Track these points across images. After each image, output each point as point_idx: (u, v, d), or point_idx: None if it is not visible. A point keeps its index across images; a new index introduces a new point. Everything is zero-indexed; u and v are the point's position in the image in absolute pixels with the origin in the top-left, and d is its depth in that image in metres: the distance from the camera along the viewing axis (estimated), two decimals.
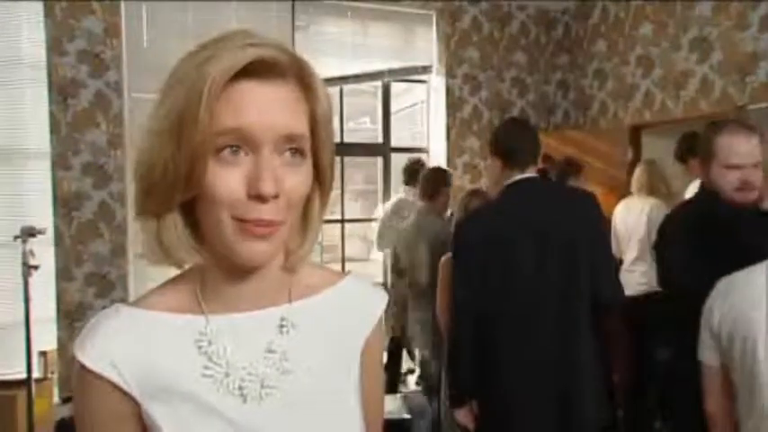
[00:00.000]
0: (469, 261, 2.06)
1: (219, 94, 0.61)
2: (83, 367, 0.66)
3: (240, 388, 0.68)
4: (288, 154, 0.65)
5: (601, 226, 2.03)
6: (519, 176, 2.07)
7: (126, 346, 0.67)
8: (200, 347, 0.68)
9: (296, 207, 0.67)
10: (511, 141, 2.12)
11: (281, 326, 0.72)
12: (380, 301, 0.82)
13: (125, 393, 0.66)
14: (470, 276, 2.05)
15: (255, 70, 0.62)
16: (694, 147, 2.53)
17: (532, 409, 1.97)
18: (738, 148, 1.75)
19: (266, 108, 0.63)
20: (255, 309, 0.71)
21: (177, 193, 0.64)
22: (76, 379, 0.68)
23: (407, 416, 3.53)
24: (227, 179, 0.62)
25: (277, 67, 0.63)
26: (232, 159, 0.62)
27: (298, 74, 0.65)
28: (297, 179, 0.65)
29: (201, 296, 0.70)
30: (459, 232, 2.18)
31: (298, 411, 0.70)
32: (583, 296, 1.97)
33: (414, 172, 4.20)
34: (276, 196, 0.62)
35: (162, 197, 0.65)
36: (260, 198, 0.62)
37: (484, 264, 2.02)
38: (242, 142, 0.62)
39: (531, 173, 2.07)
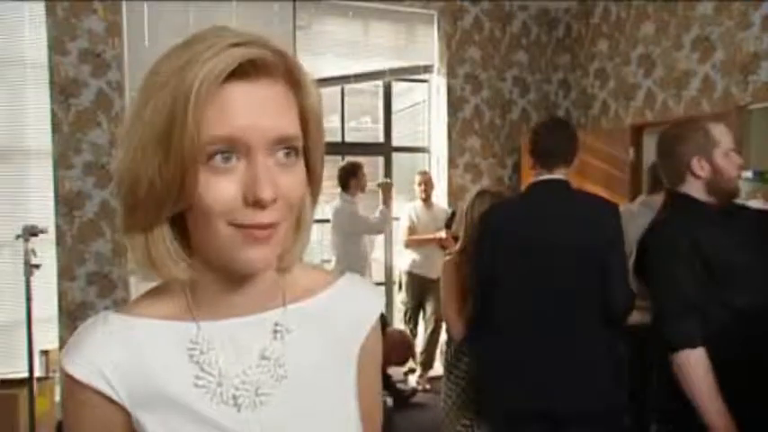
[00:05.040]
0: (485, 257, 2.11)
1: (207, 99, 0.57)
2: (71, 378, 0.64)
3: (234, 397, 0.66)
4: (281, 154, 0.61)
5: (618, 234, 2.03)
6: (544, 177, 2.09)
7: (115, 354, 0.65)
8: (191, 356, 0.66)
9: (295, 208, 0.64)
10: (541, 141, 2.13)
11: (276, 331, 0.69)
12: (377, 301, 0.79)
13: (115, 403, 0.64)
14: (487, 271, 2.10)
15: (242, 70, 0.58)
16: None
17: (536, 404, 2.00)
18: (730, 134, 1.78)
19: (257, 111, 0.59)
20: (249, 314, 0.69)
21: (167, 207, 0.61)
22: (65, 390, 0.66)
23: None
24: (222, 188, 0.59)
25: (263, 65, 0.60)
26: (224, 166, 0.59)
27: (285, 70, 0.62)
28: (293, 180, 0.62)
29: (192, 302, 0.68)
30: (481, 228, 2.21)
31: (294, 417, 0.68)
32: (592, 300, 1.98)
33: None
34: (275, 200, 0.59)
35: (150, 212, 0.61)
36: (258, 204, 0.59)
37: (500, 261, 2.06)
38: (233, 148, 0.59)
39: (559, 175, 2.08)
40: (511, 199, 2.34)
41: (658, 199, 3.33)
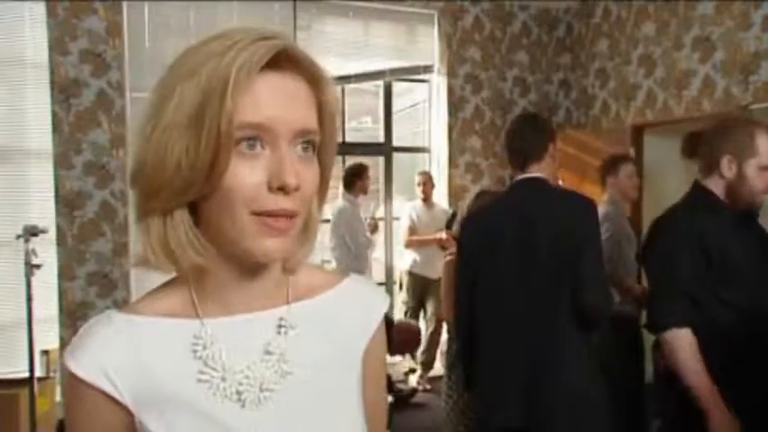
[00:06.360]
0: (466, 260, 2.10)
1: (244, 84, 0.59)
2: (74, 377, 0.64)
3: (238, 393, 0.66)
4: (300, 148, 0.63)
5: (593, 232, 1.95)
6: (520, 176, 2.07)
7: (119, 354, 0.65)
8: (194, 352, 0.66)
9: (309, 202, 0.66)
10: (509, 141, 2.12)
11: (280, 326, 0.69)
12: (382, 302, 0.79)
13: (118, 403, 0.64)
14: (467, 275, 2.08)
15: (272, 61, 0.60)
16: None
17: (509, 412, 1.98)
18: None
19: (285, 102, 0.61)
20: (253, 310, 0.69)
21: (192, 190, 0.61)
22: (68, 388, 0.66)
23: None
24: (247, 173, 0.60)
25: (291, 58, 0.62)
26: (249, 153, 0.61)
27: (308, 66, 0.64)
28: (310, 173, 0.64)
29: (197, 299, 0.68)
30: (461, 232, 2.21)
31: (298, 414, 0.68)
32: (565, 300, 1.92)
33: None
34: (297, 188, 0.61)
35: (173, 196, 0.62)
36: (283, 189, 0.60)
37: (478, 262, 2.05)
38: (260, 136, 0.61)
39: (533, 172, 2.05)
40: (494, 200, 2.32)
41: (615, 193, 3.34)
